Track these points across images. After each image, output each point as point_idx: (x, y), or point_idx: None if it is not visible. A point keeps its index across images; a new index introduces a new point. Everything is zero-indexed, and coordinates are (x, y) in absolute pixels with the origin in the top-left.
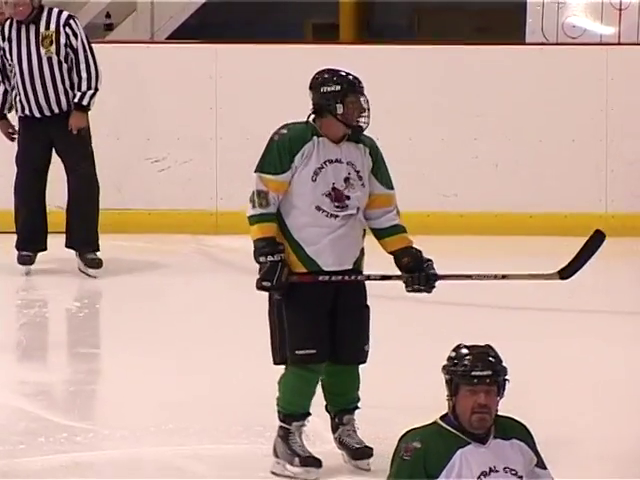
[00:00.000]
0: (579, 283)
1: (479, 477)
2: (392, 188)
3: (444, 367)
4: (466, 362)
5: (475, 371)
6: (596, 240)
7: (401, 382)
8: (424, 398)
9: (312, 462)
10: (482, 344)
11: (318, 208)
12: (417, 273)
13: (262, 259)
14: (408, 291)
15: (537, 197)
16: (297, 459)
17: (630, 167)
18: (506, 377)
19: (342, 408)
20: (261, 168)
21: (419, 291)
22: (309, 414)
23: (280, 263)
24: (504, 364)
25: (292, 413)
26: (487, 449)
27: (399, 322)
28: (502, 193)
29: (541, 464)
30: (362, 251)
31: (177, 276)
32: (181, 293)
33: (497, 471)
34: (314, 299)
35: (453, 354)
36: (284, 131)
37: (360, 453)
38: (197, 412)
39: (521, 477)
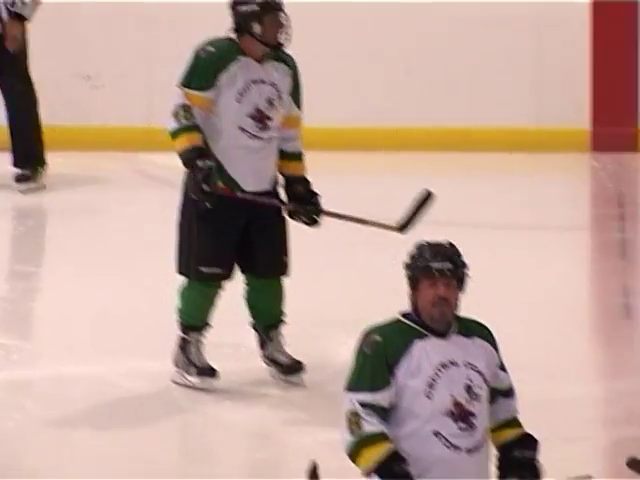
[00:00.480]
0: (509, 199)
1: (438, 368)
2: (301, 109)
3: (405, 264)
4: (426, 256)
5: (435, 264)
6: (426, 198)
7: (329, 297)
8: (353, 312)
9: (208, 372)
10: (442, 240)
11: (241, 129)
12: (309, 206)
13: (200, 163)
14: (293, 219)
15: (471, 112)
16: (193, 369)
17: (563, 83)
18: (466, 271)
19: (268, 324)
20: (186, 83)
21: (305, 224)
22: (208, 325)
23: (207, 169)
24: (464, 259)
25: (191, 325)
26: (447, 342)
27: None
28: (437, 108)
29: (502, 367)
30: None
31: (113, 192)
32: (117, 210)
33: (457, 365)
34: (227, 218)
35: (414, 250)
36: (210, 48)
37: (290, 368)
38: (134, 329)
39: (482, 374)
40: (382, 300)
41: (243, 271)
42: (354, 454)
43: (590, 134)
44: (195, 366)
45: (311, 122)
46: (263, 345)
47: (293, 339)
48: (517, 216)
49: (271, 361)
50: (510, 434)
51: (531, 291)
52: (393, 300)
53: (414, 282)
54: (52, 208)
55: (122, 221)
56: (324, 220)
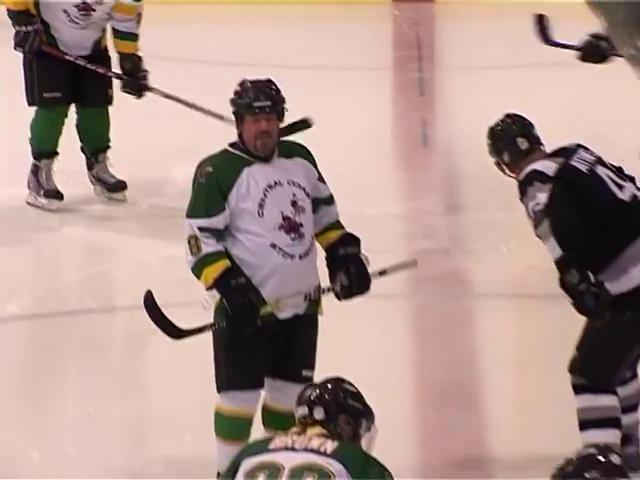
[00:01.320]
0: (322, 44)
1: (265, 189)
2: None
3: (231, 100)
4: (250, 95)
5: (257, 103)
6: (302, 125)
7: (167, 128)
8: (189, 143)
9: (55, 195)
10: (263, 79)
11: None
12: (136, 80)
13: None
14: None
15: None
16: (42, 191)
17: None
18: (284, 106)
19: (96, 148)
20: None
21: (131, 94)
22: (57, 154)
23: (33, 32)
24: (282, 94)
25: (41, 151)
26: (271, 166)
27: None
28: None
29: (321, 179)
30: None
31: None
32: None
33: (281, 184)
34: None
35: (238, 88)
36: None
37: (115, 186)
38: None
39: (304, 189)
40: (217, 132)
41: (75, 101)
42: (197, 273)
43: None
44: (44, 189)
45: None
46: (91, 167)
47: (128, 164)
48: (329, 58)
49: (97, 180)
50: (334, 235)
51: (342, 125)
52: (227, 131)
53: (239, 118)
54: None
55: None
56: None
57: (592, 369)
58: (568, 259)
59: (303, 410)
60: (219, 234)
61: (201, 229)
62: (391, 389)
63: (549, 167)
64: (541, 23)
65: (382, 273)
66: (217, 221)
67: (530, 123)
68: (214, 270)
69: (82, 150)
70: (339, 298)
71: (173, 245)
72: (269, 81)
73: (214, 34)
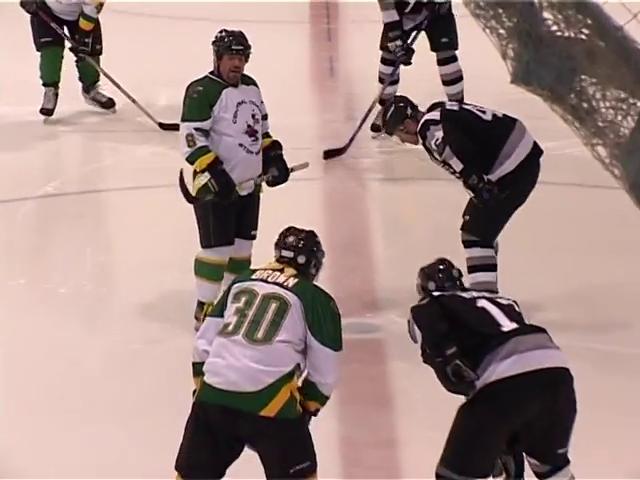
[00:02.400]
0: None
1: (237, 104)
2: None
3: (213, 42)
4: (229, 40)
5: (234, 46)
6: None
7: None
8: (179, 71)
9: (47, 112)
10: (237, 30)
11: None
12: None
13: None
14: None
15: None
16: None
17: None
18: (250, 51)
19: (91, 80)
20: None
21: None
22: (57, 82)
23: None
24: (249, 43)
25: (45, 81)
26: (238, 90)
27: None
28: None
29: (262, 101)
30: None
31: None
32: None
33: (246, 102)
34: None
35: (220, 34)
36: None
37: (107, 103)
38: None
39: (258, 106)
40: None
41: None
42: (192, 160)
43: None
44: (44, 108)
45: None
46: (87, 91)
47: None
48: (262, 15)
49: (93, 100)
50: (267, 141)
51: (272, 63)
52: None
53: (219, 55)
54: None
55: None
56: None
57: (480, 229)
58: (468, 168)
59: (288, 254)
60: (206, 134)
61: (196, 129)
62: None
63: (435, 115)
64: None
65: (291, 170)
66: (207, 124)
67: (408, 99)
68: (207, 158)
69: (80, 79)
70: (270, 185)
71: (159, 144)
72: (241, 32)
73: None
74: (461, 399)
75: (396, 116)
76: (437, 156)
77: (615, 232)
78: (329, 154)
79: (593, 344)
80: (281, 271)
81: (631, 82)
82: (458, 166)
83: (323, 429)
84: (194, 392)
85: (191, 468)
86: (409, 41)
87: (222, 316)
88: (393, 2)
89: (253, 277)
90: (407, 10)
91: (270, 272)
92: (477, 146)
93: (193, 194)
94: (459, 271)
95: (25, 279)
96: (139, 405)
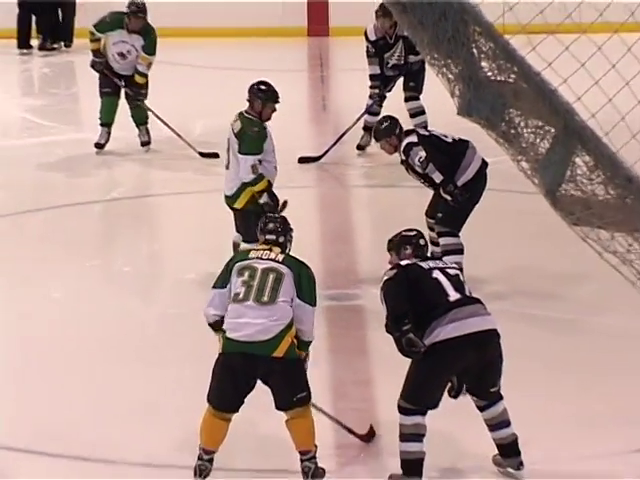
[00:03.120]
0: (263, 55)
1: (271, 139)
2: None
3: (259, 90)
4: (274, 93)
5: (276, 98)
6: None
7: None
8: None
9: (99, 146)
10: (269, 82)
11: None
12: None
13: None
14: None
15: None
16: (98, 145)
17: None
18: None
19: (139, 121)
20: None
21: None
22: (111, 124)
23: (99, 62)
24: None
25: (102, 122)
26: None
27: None
28: None
29: None
30: None
31: None
32: None
33: (271, 137)
34: None
35: (264, 87)
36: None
37: (145, 142)
38: None
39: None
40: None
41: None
42: (255, 183)
43: None
44: (98, 143)
45: None
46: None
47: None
48: (271, 65)
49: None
50: None
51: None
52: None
53: (264, 102)
54: None
55: None
56: None
57: (452, 223)
58: (446, 179)
59: (271, 237)
60: (260, 162)
61: (257, 160)
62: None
63: (413, 138)
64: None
65: (283, 206)
66: (261, 156)
67: (399, 122)
68: (264, 183)
69: (133, 118)
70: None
71: (199, 164)
72: (272, 86)
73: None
74: None
75: (388, 129)
76: (419, 170)
77: (537, 225)
78: (303, 160)
79: (524, 309)
80: (270, 250)
81: (546, 114)
82: (438, 178)
83: (317, 371)
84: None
85: (219, 400)
86: (387, 89)
87: (224, 287)
88: (377, 59)
89: (250, 256)
90: (389, 66)
91: (262, 252)
92: (447, 160)
93: (240, 206)
94: (425, 240)
95: (98, 261)
96: (183, 354)
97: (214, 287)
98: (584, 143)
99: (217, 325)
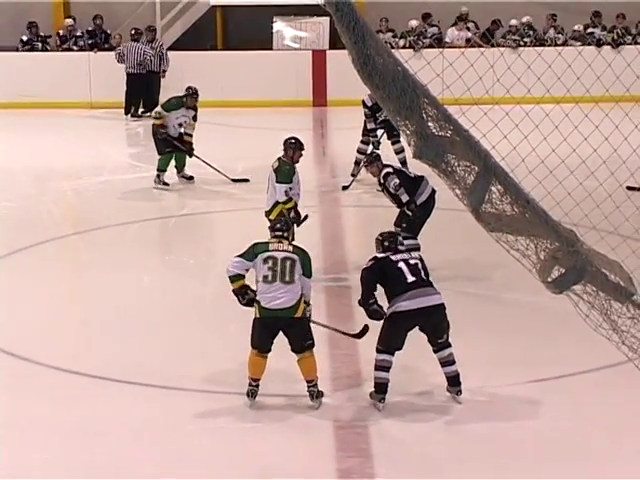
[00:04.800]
0: (276, 124)
1: (298, 175)
2: None
3: (290, 144)
4: (300, 143)
5: (302, 147)
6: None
7: None
8: None
9: (164, 184)
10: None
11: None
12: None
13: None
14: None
15: None
16: (161, 183)
17: None
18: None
19: (180, 167)
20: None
21: None
22: (166, 170)
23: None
24: None
25: (160, 168)
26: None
27: None
28: None
29: None
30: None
31: None
32: None
33: (297, 174)
34: None
35: (293, 140)
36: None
37: (189, 178)
38: None
39: None
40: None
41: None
42: (286, 201)
43: None
44: (162, 182)
45: None
46: (179, 172)
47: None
48: (285, 128)
49: (182, 177)
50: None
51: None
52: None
53: (294, 150)
54: None
55: None
56: None
57: (411, 230)
58: (410, 200)
59: (280, 233)
60: (291, 189)
61: (289, 188)
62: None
63: (390, 169)
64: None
65: (304, 219)
66: (291, 185)
67: (380, 158)
68: (292, 202)
69: (175, 167)
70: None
71: (233, 189)
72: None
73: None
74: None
75: (374, 161)
76: (392, 191)
77: (467, 231)
78: (345, 188)
79: (461, 289)
80: (281, 242)
81: (472, 157)
82: (405, 198)
83: (319, 329)
84: (233, 290)
85: (261, 345)
86: (377, 137)
87: (249, 261)
88: (373, 118)
89: (270, 248)
90: (378, 121)
91: (277, 244)
92: (410, 188)
93: (273, 217)
94: (401, 241)
95: (172, 256)
96: (229, 317)
97: (241, 256)
98: (497, 176)
99: (234, 277)
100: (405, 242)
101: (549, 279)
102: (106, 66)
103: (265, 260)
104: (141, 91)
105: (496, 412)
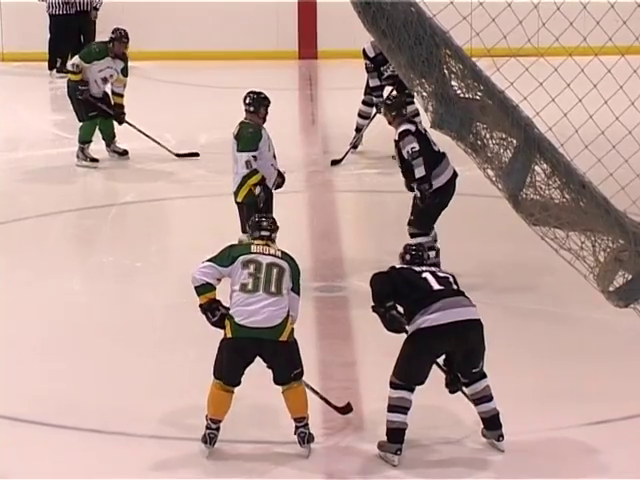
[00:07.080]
0: (258, 78)
1: (268, 138)
2: None
3: (253, 98)
4: (265, 98)
5: (267, 103)
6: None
7: None
8: None
9: (92, 160)
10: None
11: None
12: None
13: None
14: None
15: None
16: (86, 158)
17: None
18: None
19: (111, 138)
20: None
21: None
22: (90, 141)
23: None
24: None
25: (83, 140)
26: (265, 130)
27: None
28: None
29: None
30: None
31: None
32: None
33: (269, 138)
34: None
35: (255, 96)
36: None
37: (123, 153)
38: None
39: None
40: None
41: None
42: (251, 175)
43: None
44: (87, 157)
45: None
46: (108, 145)
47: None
48: (269, 85)
49: (113, 151)
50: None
51: (275, 114)
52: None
53: (257, 108)
54: None
55: None
56: None
57: (420, 225)
58: (426, 176)
59: (265, 233)
60: (255, 159)
61: (252, 157)
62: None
63: (411, 127)
64: None
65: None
66: (256, 153)
67: (401, 104)
68: (257, 177)
69: (103, 138)
70: (276, 188)
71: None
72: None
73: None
74: (403, 336)
75: (395, 106)
76: (405, 157)
77: (501, 225)
78: (334, 162)
79: (517, 302)
80: (267, 246)
81: (508, 127)
82: (420, 173)
83: (306, 355)
84: (200, 305)
85: (228, 376)
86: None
87: (223, 267)
88: (376, 73)
89: (253, 250)
90: (384, 77)
91: (262, 247)
92: (431, 159)
93: (240, 199)
94: (427, 254)
95: (113, 257)
96: (187, 339)
97: (212, 260)
98: (542, 153)
99: (203, 288)
100: (413, 240)
101: (611, 288)
102: (20, 6)
103: (245, 264)
104: (70, 38)
105: (547, 465)
